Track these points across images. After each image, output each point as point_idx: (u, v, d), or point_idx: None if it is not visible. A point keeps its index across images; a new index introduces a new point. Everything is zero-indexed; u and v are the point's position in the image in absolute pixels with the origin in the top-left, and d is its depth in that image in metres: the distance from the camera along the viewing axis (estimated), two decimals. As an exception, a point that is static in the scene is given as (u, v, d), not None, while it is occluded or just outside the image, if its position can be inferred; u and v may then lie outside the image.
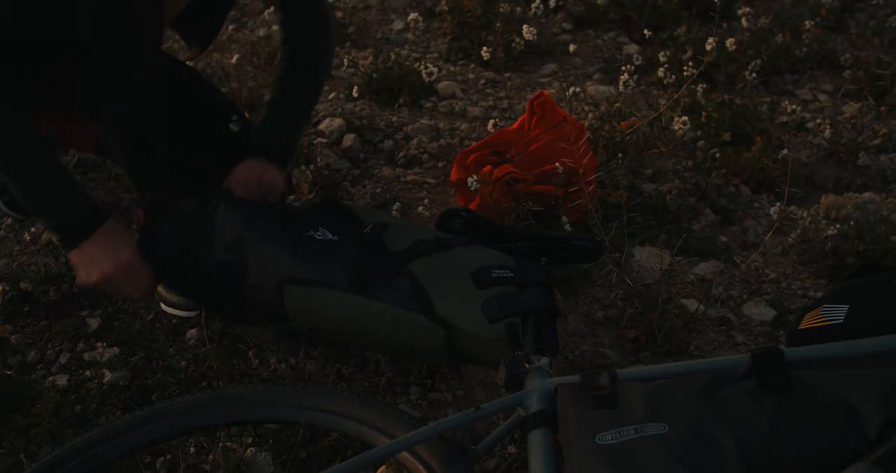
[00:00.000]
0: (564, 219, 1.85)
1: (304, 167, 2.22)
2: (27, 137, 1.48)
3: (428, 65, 2.76)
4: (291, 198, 2.07)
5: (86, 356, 1.70)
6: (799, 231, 2.04)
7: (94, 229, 1.51)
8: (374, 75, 2.78)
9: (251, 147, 1.72)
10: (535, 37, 2.30)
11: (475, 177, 1.89)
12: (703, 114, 2.46)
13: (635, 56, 2.70)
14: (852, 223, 2.00)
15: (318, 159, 2.28)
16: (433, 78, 2.74)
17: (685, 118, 2.26)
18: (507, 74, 2.96)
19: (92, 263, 1.51)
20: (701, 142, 2.42)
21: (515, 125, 2.09)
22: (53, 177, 1.50)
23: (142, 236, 1.62)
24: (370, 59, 2.95)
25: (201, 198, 1.62)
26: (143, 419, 1.29)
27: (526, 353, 1.22)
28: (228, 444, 1.48)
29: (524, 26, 2.29)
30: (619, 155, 2.31)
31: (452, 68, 3.03)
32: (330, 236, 1.52)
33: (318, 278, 1.45)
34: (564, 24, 3.35)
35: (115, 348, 1.71)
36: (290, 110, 1.73)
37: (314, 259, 1.48)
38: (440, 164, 2.36)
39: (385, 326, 1.41)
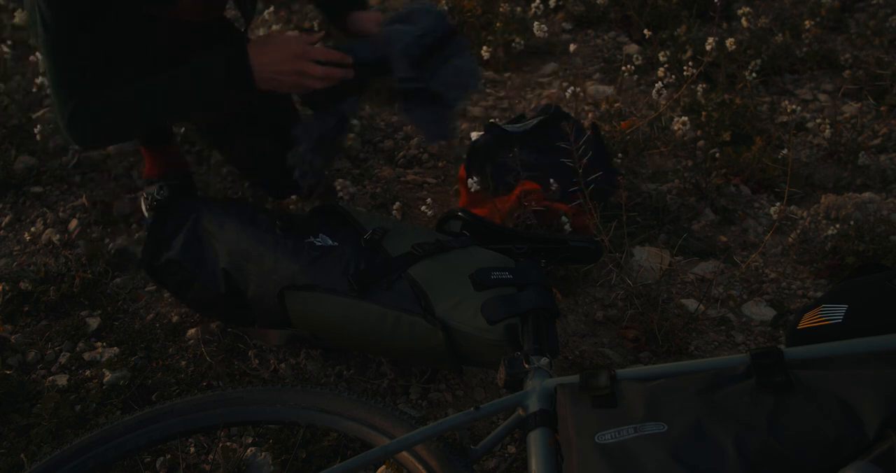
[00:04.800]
0: (564, 218, 1.85)
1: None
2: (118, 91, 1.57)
3: (428, 65, 2.75)
4: (292, 198, 2.07)
5: (86, 356, 1.70)
6: (799, 231, 2.04)
7: (245, 58, 1.52)
8: (374, 75, 2.78)
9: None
10: (546, 34, 2.29)
11: (475, 178, 1.89)
12: (703, 114, 2.46)
13: (635, 56, 2.70)
14: (852, 223, 2.00)
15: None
16: (433, 78, 2.74)
17: (685, 118, 2.26)
18: (507, 74, 2.96)
19: (285, 73, 1.53)
20: (701, 142, 2.42)
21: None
22: (168, 79, 1.57)
23: (144, 254, 1.65)
24: (370, 59, 2.95)
25: (191, 208, 1.65)
26: (143, 419, 1.29)
27: (525, 354, 1.22)
28: (228, 444, 1.49)
29: (535, 23, 2.29)
30: (619, 155, 2.31)
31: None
32: (330, 242, 1.54)
33: (318, 284, 1.47)
34: (564, 24, 3.35)
35: (115, 348, 1.72)
36: None
37: (314, 265, 1.49)
38: (440, 164, 2.36)
39: (386, 330, 1.42)
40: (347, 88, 1.65)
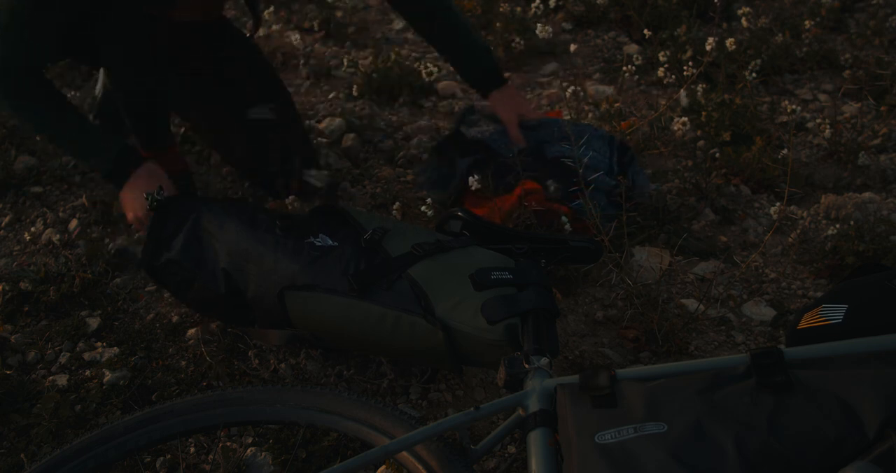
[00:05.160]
0: (564, 218, 1.85)
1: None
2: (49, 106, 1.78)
3: (428, 64, 2.76)
4: (291, 199, 2.07)
5: (86, 356, 1.70)
6: (799, 231, 2.04)
7: (127, 173, 1.82)
8: (374, 75, 2.79)
9: (481, 84, 2.12)
10: (549, 35, 2.30)
11: (475, 177, 1.89)
12: (703, 114, 2.46)
13: (635, 56, 2.70)
14: (852, 223, 2.00)
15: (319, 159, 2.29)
16: (433, 78, 2.74)
17: (685, 118, 2.26)
18: (507, 74, 2.96)
19: (127, 206, 1.83)
20: (701, 142, 2.42)
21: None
22: (81, 130, 1.81)
23: (143, 254, 1.65)
24: (370, 58, 2.95)
25: (191, 208, 1.65)
26: (143, 419, 1.29)
27: (525, 353, 1.22)
28: (228, 444, 1.49)
29: (538, 24, 2.29)
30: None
31: (452, 68, 3.03)
32: (330, 242, 1.54)
33: (318, 284, 1.47)
34: (564, 24, 3.35)
35: (115, 348, 1.72)
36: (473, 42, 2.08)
37: (314, 265, 1.49)
38: (440, 164, 2.36)
39: (386, 330, 1.42)
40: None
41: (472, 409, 1.14)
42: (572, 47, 2.35)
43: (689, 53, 2.78)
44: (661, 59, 2.72)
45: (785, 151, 2.30)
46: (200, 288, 1.61)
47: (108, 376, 1.63)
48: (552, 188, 1.92)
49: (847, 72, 2.83)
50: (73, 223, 2.12)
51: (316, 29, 3.34)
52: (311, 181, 2.00)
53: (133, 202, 1.81)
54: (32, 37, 1.68)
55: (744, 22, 2.90)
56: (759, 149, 2.24)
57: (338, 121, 2.49)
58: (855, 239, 1.91)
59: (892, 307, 1.23)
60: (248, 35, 2.13)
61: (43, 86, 1.78)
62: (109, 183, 1.88)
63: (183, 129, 2.45)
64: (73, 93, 2.64)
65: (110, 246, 2.01)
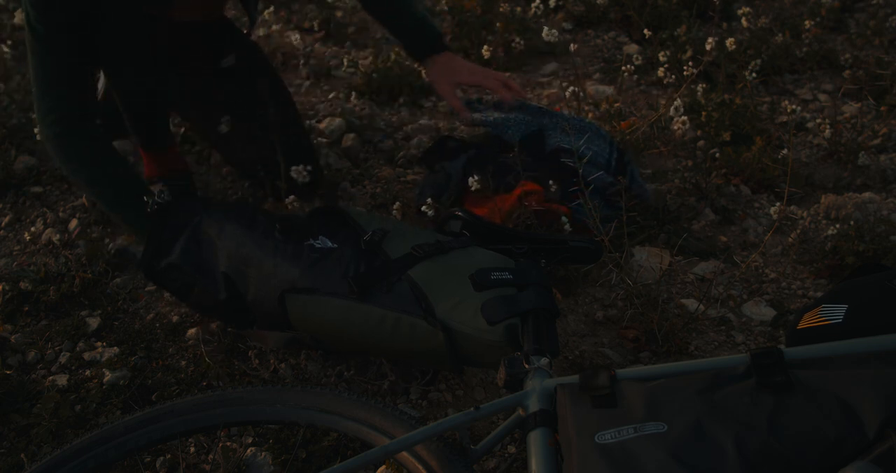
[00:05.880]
0: (564, 218, 1.85)
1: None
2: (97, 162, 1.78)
3: (428, 65, 2.76)
4: (291, 199, 2.07)
5: (86, 356, 1.70)
6: (799, 231, 2.04)
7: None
8: (374, 75, 2.79)
9: (416, 48, 2.08)
10: (555, 38, 2.30)
11: (475, 177, 1.89)
12: (703, 114, 2.46)
13: (635, 56, 2.70)
14: (852, 223, 2.00)
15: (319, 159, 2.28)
16: (433, 78, 2.74)
17: (685, 118, 2.26)
18: (507, 74, 2.96)
19: None
20: (701, 142, 2.42)
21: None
22: (109, 191, 1.78)
23: (143, 256, 1.65)
24: (370, 58, 2.95)
25: (191, 212, 1.65)
26: (143, 419, 1.29)
27: (525, 354, 1.22)
28: (228, 444, 1.49)
29: (544, 28, 2.29)
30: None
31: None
32: (329, 244, 1.54)
33: (318, 287, 1.46)
34: (564, 24, 3.35)
35: (115, 348, 1.72)
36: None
37: (314, 268, 1.49)
38: (440, 164, 2.36)
39: (386, 332, 1.42)
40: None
41: (472, 409, 1.14)
42: (572, 47, 2.35)
43: (689, 53, 2.78)
44: (661, 58, 2.72)
45: (785, 151, 2.30)
46: (201, 293, 1.61)
47: (108, 376, 1.63)
48: (552, 188, 1.92)
49: (847, 72, 2.83)
50: (73, 223, 2.12)
51: (316, 29, 3.34)
52: (295, 178, 1.98)
53: None
54: (58, 65, 1.67)
55: (744, 22, 2.90)
56: (759, 149, 2.24)
57: (338, 121, 2.50)
58: (855, 239, 1.91)
59: (892, 307, 1.23)
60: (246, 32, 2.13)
61: (92, 142, 1.77)
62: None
63: (183, 129, 2.45)
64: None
65: (110, 246, 2.01)
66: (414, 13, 2.03)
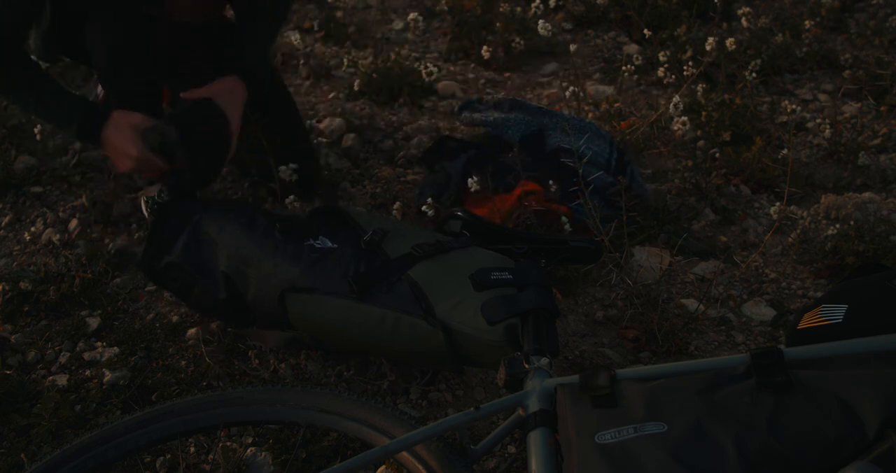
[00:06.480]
0: (564, 218, 1.85)
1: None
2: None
3: (428, 64, 2.75)
4: (291, 199, 2.07)
5: (86, 356, 1.70)
6: (799, 231, 2.04)
7: (98, 129, 1.72)
8: (374, 75, 2.78)
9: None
10: (550, 33, 2.30)
11: (475, 177, 1.89)
12: (703, 114, 2.46)
13: (635, 56, 2.70)
14: (852, 223, 2.00)
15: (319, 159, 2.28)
16: (433, 77, 2.74)
17: (685, 118, 2.26)
18: (507, 74, 2.96)
19: (115, 158, 1.76)
20: (701, 142, 2.42)
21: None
22: (44, 102, 1.73)
23: (144, 256, 1.65)
24: (370, 58, 2.95)
25: (191, 211, 1.64)
26: (143, 419, 1.29)
27: (525, 354, 1.22)
28: (228, 444, 1.49)
29: (540, 22, 2.29)
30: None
31: (452, 68, 3.03)
32: (329, 244, 1.54)
33: (318, 287, 1.46)
34: (564, 24, 3.35)
35: (115, 348, 1.72)
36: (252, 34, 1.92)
37: (314, 268, 1.49)
38: (440, 164, 2.36)
39: (386, 332, 1.42)
40: None
41: (472, 409, 1.14)
42: (572, 47, 2.36)
43: (689, 53, 2.78)
44: (661, 59, 2.72)
45: (785, 151, 2.30)
46: (201, 292, 1.61)
47: (108, 376, 1.63)
48: (552, 188, 1.92)
49: (847, 72, 2.83)
50: (73, 223, 2.11)
51: (316, 29, 3.34)
52: (283, 177, 1.96)
53: (122, 143, 1.70)
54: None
55: (744, 22, 2.90)
56: (759, 149, 2.24)
57: (338, 121, 2.50)
58: (855, 239, 1.91)
59: (892, 307, 1.23)
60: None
61: (21, 63, 1.72)
62: (90, 143, 1.82)
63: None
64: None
65: (110, 246, 2.01)
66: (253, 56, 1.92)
